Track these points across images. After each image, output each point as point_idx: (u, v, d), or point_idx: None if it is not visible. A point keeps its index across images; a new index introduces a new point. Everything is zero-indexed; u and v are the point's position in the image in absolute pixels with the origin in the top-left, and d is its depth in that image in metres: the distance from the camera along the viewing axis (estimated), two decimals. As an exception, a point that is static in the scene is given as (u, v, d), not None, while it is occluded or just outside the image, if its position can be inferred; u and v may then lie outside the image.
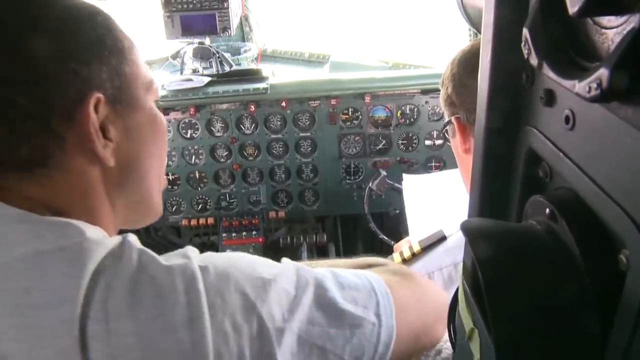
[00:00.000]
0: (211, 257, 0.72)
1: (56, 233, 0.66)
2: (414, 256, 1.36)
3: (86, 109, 0.70)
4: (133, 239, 0.70)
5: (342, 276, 0.80)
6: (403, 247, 1.45)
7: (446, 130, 1.32)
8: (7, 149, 0.68)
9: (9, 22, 0.67)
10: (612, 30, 0.40)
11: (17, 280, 0.63)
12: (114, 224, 0.82)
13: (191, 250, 0.72)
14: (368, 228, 2.76)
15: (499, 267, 0.47)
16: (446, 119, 1.29)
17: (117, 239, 0.70)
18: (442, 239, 1.34)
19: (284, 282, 0.73)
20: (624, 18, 0.38)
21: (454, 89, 1.22)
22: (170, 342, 0.64)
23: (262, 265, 0.75)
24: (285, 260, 0.79)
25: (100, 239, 0.69)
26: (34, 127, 0.68)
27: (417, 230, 1.86)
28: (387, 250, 2.18)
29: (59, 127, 0.69)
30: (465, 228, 0.52)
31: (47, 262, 0.64)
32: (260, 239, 2.80)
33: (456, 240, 1.32)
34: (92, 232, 0.69)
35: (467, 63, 1.20)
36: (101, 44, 0.74)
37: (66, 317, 0.61)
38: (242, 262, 0.73)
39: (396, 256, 1.41)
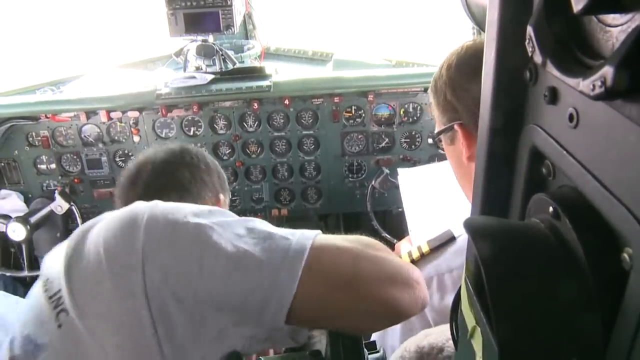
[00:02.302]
0: None
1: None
2: (423, 257, 1.33)
3: (217, 197, 1.58)
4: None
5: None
6: (411, 248, 1.42)
7: (439, 139, 1.28)
8: (203, 191, 1.54)
9: (195, 169, 1.57)
10: (616, 28, 0.40)
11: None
12: None
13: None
14: (370, 226, 2.76)
15: (502, 265, 0.47)
16: (440, 126, 1.25)
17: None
18: (452, 239, 1.31)
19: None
20: (628, 16, 0.38)
21: (454, 94, 1.19)
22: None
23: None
24: None
25: None
26: (205, 189, 1.54)
27: (417, 225, 1.85)
28: (389, 249, 2.17)
29: (208, 196, 1.55)
30: (469, 226, 0.52)
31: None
32: (263, 237, 2.80)
33: (465, 241, 1.29)
34: None
35: (466, 66, 1.17)
36: (216, 168, 1.62)
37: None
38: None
39: (404, 257, 1.37)
